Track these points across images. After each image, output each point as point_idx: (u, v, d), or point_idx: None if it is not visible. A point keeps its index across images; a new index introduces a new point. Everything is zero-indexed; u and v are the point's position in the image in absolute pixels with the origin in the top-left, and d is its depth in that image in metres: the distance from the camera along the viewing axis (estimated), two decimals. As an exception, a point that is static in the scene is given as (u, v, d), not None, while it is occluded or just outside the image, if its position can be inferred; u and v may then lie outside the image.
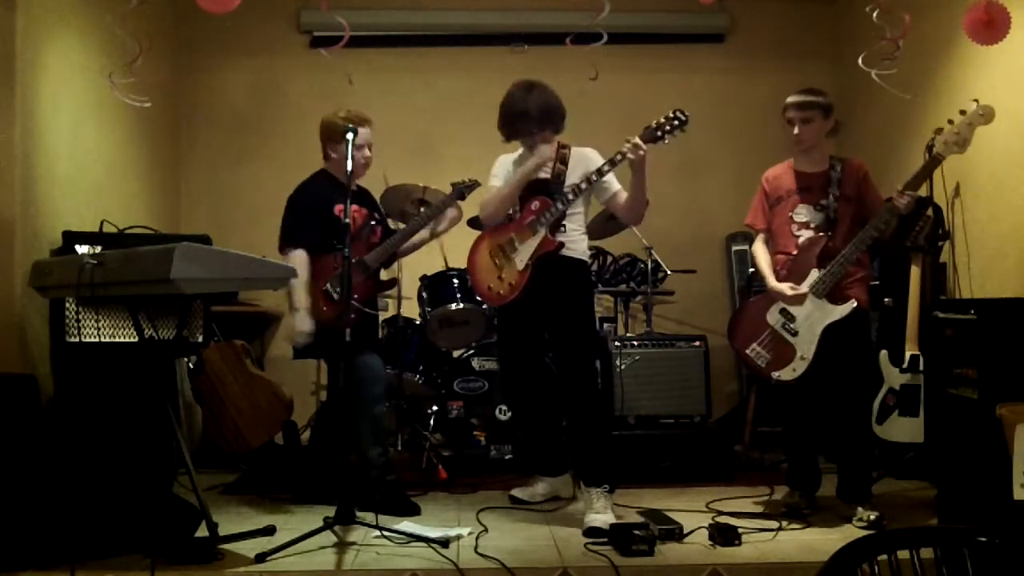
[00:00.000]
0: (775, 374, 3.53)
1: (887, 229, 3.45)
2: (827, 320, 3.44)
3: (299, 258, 3.66)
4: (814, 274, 3.46)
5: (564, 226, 3.60)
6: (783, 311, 3.54)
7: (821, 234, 3.48)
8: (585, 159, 3.66)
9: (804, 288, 3.46)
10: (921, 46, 4.54)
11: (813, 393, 3.59)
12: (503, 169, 3.80)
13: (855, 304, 3.42)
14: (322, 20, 5.50)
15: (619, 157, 3.43)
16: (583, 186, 3.53)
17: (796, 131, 3.54)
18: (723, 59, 6.00)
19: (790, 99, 3.57)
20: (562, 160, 3.66)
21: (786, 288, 3.49)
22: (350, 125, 3.50)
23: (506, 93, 3.72)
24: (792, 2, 6.00)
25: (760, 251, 3.70)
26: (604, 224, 4.61)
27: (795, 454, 3.72)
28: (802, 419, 3.66)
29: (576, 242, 3.64)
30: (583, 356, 3.61)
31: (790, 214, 3.57)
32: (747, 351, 3.60)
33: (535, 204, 3.62)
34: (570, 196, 3.55)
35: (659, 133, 3.41)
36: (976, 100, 3.31)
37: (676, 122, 3.41)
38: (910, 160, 4.77)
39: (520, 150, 3.79)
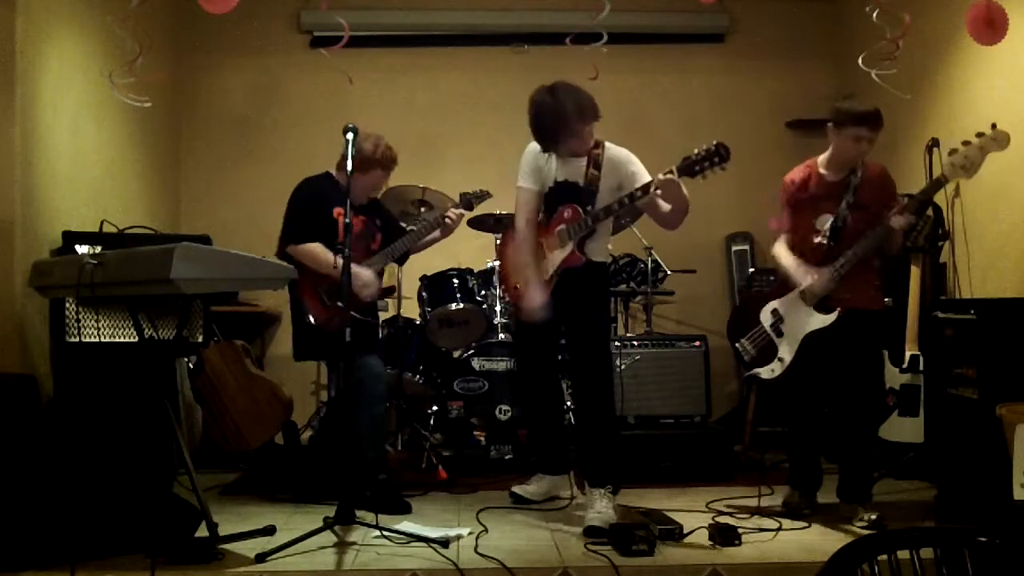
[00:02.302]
0: (754, 371, 3.58)
1: (886, 246, 3.36)
2: (809, 328, 3.43)
3: (310, 248, 3.69)
4: (808, 279, 3.46)
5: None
6: (774, 311, 3.56)
7: (821, 241, 3.46)
8: (617, 166, 3.56)
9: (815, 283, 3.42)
10: (921, 46, 4.54)
11: (815, 393, 3.58)
12: (531, 166, 3.66)
13: (838, 312, 3.38)
14: (322, 20, 5.51)
15: (654, 189, 3.31)
16: (615, 207, 3.47)
17: (864, 148, 3.39)
18: (723, 59, 6.00)
19: (867, 109, 3.39)
20: (595, 164, 3.56)
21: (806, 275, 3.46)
22: (350, 126, 3.49)
23: (531, 103, 3.56)
24: (792, 2, 6.00)
25: (782, 250, 3.62)
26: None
27: (797, 454, 3.71)
28: (805, 419, 3.65)
29: (599, 248, 3.63)
30: (596, 356, 3.60)
31: (813, 221, 3.51)
32: (736, 344, 3.66)
33: (567, 212, 3.56)
34: (601, 216, 3.49)
35: (696, 168, 3.23)
36: (995, 124, 3.17)
37: (716, 158, 3.20)
38: (910, 160, 4.78)
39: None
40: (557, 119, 3.47)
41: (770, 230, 3.76)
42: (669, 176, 3.26)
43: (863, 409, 3.57)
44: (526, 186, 3.68)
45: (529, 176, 3.67)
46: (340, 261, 3.27)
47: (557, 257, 3.58)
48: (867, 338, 3.51)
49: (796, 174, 3.64)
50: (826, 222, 3.47)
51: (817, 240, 3.47)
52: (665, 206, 3.45)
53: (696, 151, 3.25)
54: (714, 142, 3.22)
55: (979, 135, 3.17)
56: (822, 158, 3.58)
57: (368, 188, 3.85)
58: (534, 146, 3.65)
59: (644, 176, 3.51)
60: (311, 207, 3.75)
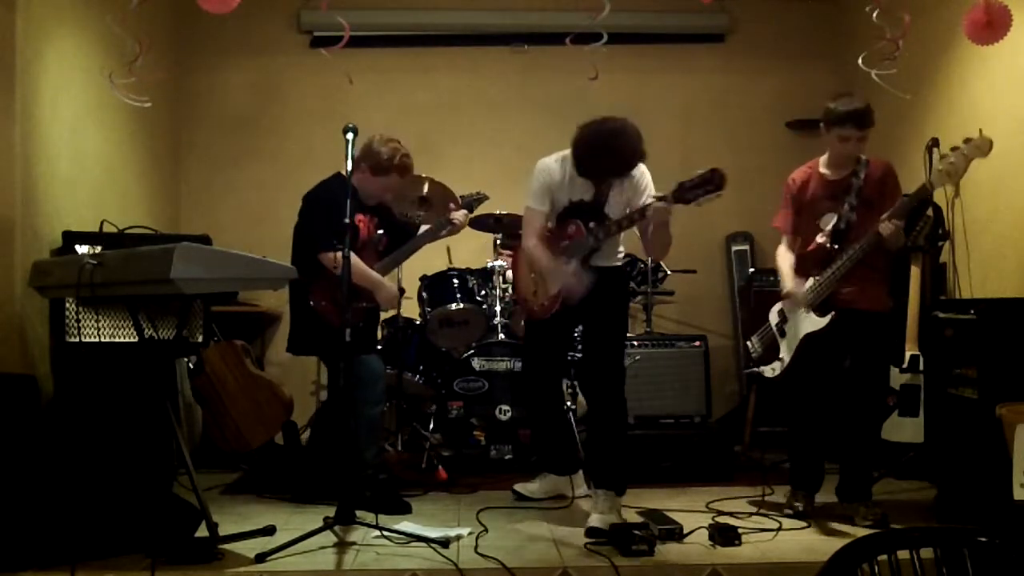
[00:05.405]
0: (758, 368, 3.62)
1: (889, 245, 3.35)
2: (806, 329, 3.45)
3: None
4: (809, 282, 3.46)
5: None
6: (780, 311, 3.61)
7: (823, 243, 3.46)
8: (625, 182, 3.49)
9: (797, 291, 3.49)
10: (921, 46, 4.54)
11: (817, 394, 3.57)
12: (544, 183, 3.54)
13: (832, 316, 3.38)
14: (322, 20, 5.49)
15: (650, 212, 3.28)
16: (613, 228, 3.44)
17: (851, 148, 3.40)
18: (723, 59, 6.00)
19: (850, 108, 3.37)
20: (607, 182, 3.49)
21: (787, 287, 3.55)
22: (350, 125, 3.48)
23: (594, 133, 3.38)
24: (792, 2, 5.99)
25: (782, 254, 3.65)
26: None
27: (799, 454, 3.70)
28: (807, 420, 3.64)
29: (610, 252, 3.57)
30: (612, 361, 3.55)
31: (817, 221, 3.52)
32: (747, 341, 3.72)
33: (571, 228, 3.54)
34: (601, 236, 3.44)
35: (689, 197, 3.17)
36: (980, 130, 3.19)
37: (711, 187, 3.13)
38: (910, 160, 4.77)
39: (563, 157, 3.55)
40: (628, 153, 3.38)
41: (772, 228, 3.77)
42: (661, 204, 3.22)
43: (866, 410, 3.56)
44: (535, 207, 3.57)
45: (540, 196, 3.55)
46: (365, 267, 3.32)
47: None
48: (870, 339, 3.49)
49: (798, 174, 3.66)
50: (830, 221, 3.47)
51: (820, 240, 3.47)
52: (650, 232, 3.40)
53: (690, 178, 3.18)
54: (710, 168, 3.16)
55: (966, 141, 3.19)
56: (823, 158, 3.59)
57: (383, 192, 3.85)
58: (546, 163, 3.56)
59: (651, 191, 3.46)
60: (336, 212, 3.73)
